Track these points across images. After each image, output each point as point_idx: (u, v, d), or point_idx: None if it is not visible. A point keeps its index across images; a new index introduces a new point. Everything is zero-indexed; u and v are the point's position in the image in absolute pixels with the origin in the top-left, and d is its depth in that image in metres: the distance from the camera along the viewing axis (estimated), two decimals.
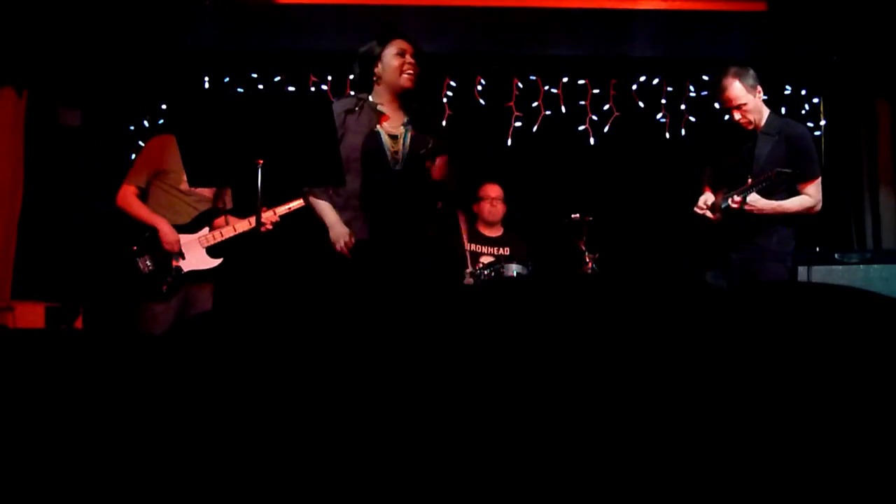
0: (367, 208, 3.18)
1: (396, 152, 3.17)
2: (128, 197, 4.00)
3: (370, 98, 3.28)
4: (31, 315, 4.85)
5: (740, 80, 3.69)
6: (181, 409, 1.09)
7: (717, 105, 4.60)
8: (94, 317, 4.89)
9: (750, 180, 3.61)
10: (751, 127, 3.74)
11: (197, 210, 4.06)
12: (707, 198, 3.88)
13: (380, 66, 3.25)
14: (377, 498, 1.05)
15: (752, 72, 3.75)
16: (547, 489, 1.04)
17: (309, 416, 1.08)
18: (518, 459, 1.05)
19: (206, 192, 4.09)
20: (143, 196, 4.03)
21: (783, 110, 5.79)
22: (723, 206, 3.75)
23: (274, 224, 3.96)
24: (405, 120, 3.26)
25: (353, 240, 3.17)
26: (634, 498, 1.04)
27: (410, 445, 1.06)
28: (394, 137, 3.20)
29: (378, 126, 3.22)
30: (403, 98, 3.28)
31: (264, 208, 3.99)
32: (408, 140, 3.20)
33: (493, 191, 5.00)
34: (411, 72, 3.22)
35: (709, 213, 3.83)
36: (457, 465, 1.05)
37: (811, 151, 3.73)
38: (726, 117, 3.91)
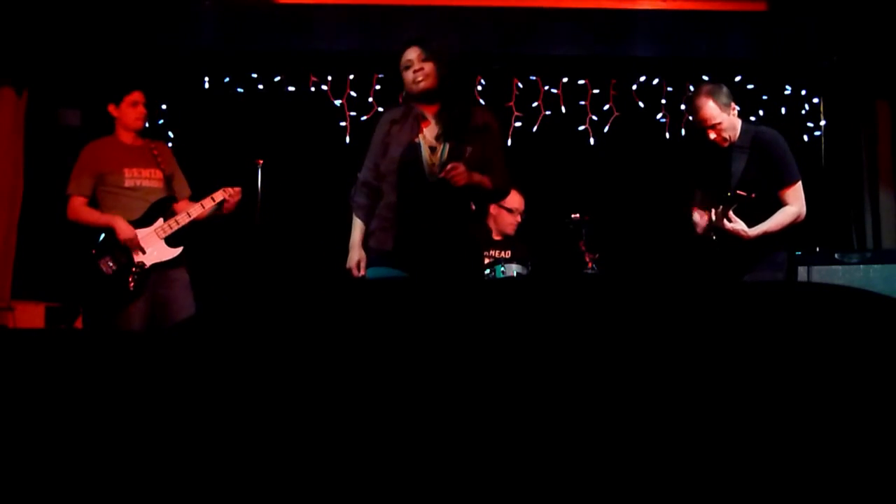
0: (399, 220, 3.14)
1: (434, 164, 3.09)
2: (77, 208, 4.08)
3: (416, 106, 3.24)
4: (31, 315, 4.87)
5: (714, 100, 3.55)
6: (182, 410, 1.09)
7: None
8: (89, 318, 4.91)
9: (721, 207, 3.54)
10: (726, 144, 3.60)
11: (149, 203, 4.06)
12: (699, 216, 3.79)
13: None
14: (377, 498, 1.05)
15: (725, 89, 3.62)
16: (546, 489, 1.05)
17: (310, 412, 1.08)
18: (518, 458, 1.05)
19: (156, 183, 4.10)
20: (93, 204, 4.08)
21: (783, 110, 5.82)
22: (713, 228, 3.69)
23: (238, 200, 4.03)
24: (441, 133, 3.16)
25: (361, 270, 3.24)
26: (634, 497, 1.04)
27: (410, 446, 1.06)
28: (433, 149, 3.12)
29: (419, 136, 3.15)
30: (433, 101, 3.20)
31: (226, 188, 4.05)
32: (446, 153, 3.10)
33: (518, 202, 4.77)
34: (420, 78, 3.14)
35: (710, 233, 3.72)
36: (455, 465, 1.05)
37: (785, 156, 3.57)
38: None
